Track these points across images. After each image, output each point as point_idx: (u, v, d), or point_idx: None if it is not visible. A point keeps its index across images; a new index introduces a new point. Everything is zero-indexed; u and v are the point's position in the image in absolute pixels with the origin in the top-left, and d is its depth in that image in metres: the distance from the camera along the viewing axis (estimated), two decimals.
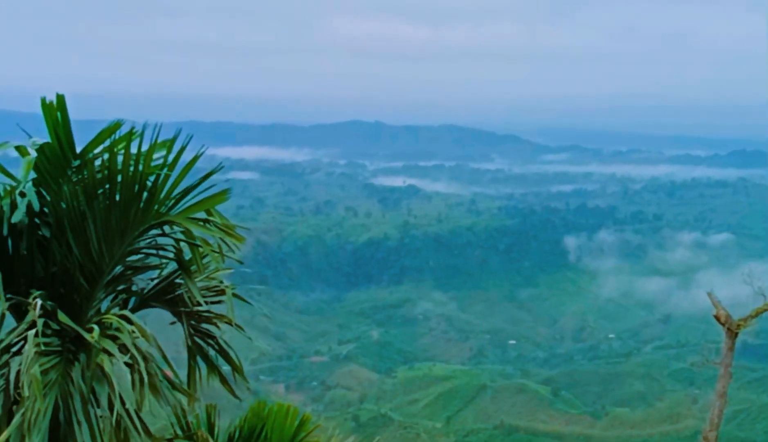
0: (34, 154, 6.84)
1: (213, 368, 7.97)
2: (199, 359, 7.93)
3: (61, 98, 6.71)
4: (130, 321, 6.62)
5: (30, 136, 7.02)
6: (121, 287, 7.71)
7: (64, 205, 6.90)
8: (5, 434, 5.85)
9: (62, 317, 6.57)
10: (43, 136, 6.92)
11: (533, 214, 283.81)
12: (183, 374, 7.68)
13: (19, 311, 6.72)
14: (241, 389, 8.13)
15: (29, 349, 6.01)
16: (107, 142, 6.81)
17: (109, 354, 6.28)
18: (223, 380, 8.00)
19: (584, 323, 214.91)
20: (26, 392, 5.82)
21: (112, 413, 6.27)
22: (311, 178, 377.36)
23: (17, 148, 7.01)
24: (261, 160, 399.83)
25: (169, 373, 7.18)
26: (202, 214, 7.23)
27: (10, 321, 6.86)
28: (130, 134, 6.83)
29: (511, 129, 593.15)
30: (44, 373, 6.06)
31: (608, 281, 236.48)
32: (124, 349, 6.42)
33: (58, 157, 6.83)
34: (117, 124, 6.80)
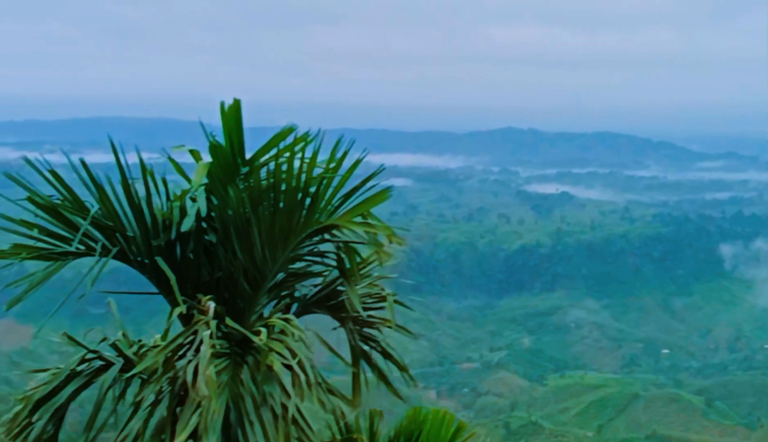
0: (208, 159, 6.99)
1: (378, 371, 8.03)
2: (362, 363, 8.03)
3: (237, 103, 6.84)
4: (293, 325, 6.73)
5: (213, 135, 7.14)
6: (283, 293, 7.85)
7: (230, 212, 7.05)
8: (183, 435, 6.01)
9: (229, 320, 6.75)
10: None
11: (688, 221, 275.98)
12: (336, 380, 7.76)
13: (184, 314, 6.91)
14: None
15: (205, 350, 6.17)
16: (274, 150, 6.94)
17: (282, 356, 6.39)
18: (388, 383, 8.04)
19: (739, 333, 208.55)
20: (204, 392, 5.96)
21: (286, 414, 6.38)
22: (464, 185, 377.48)
23: (191, 152, 7.19)
24: (414, 168, 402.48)
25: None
26: (360, 220, 7.26)
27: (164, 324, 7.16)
28: (295, 142, 6.94)
29: (666, 136, 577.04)
30: (216, 374, 6.21)
31: (765, 291, 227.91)
32: (288, 351, 6.52)
33: (229, 163, 6.97)
34: (287, 131, 6.91)
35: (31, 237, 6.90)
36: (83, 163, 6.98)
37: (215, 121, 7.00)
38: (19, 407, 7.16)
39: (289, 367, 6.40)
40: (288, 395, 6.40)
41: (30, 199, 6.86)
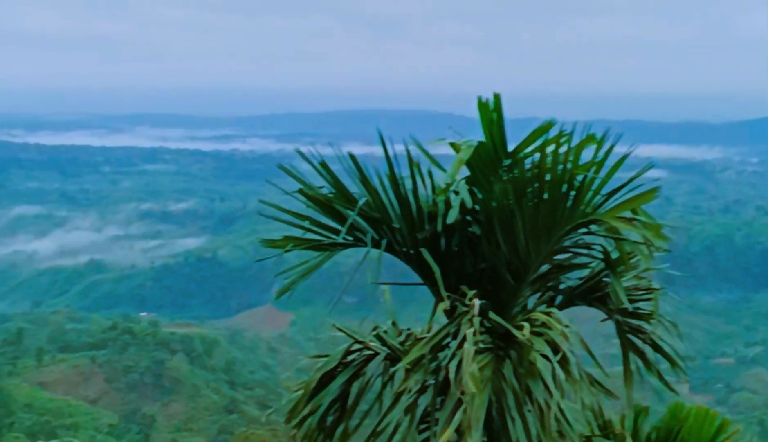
0: (466, 151, 7.00)
1: (648, 364, 7.78)
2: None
3: (497, 98, 6.86)
4: (555, 319, 6.63)
5: (462, 137, 7.20)
6: (547, 285, 7.75)
7: (494, 204, 7.03)
8: (449, 431, 6.06)
9: (492, 315, 6.73)
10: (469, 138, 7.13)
11: None
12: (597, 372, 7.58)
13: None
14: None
15: (468, 346, 6.17)
16: (538, 142, 6.85)
17: (544, 353, 6.31)
18: (661, 377, 7.81)
19: None
20: (469, 389, 5.98)
21: (549, 410, 6.29)
22: (721, 176, 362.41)
23: (452, 145, 7.22)
24: (671, 159, 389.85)
25: None
26: (627, 214, 7.08)
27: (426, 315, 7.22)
28: (559, 135, 6.82)
29: None
30: (479, 370, 6.20)
31: None
32: (550, 346, 6.43)
33: (490, 156, 6.98)
34: (549, 124, 6.81)
35: (301, 227, 7.17)
36: (351, 156, 7.17)
37: (469, 113, 7.01)
38: (296, 395, 7.45)
39: (546, 358, 6.32)
40: (550, 392, 6.30)
41: (301, 192, 7.13)
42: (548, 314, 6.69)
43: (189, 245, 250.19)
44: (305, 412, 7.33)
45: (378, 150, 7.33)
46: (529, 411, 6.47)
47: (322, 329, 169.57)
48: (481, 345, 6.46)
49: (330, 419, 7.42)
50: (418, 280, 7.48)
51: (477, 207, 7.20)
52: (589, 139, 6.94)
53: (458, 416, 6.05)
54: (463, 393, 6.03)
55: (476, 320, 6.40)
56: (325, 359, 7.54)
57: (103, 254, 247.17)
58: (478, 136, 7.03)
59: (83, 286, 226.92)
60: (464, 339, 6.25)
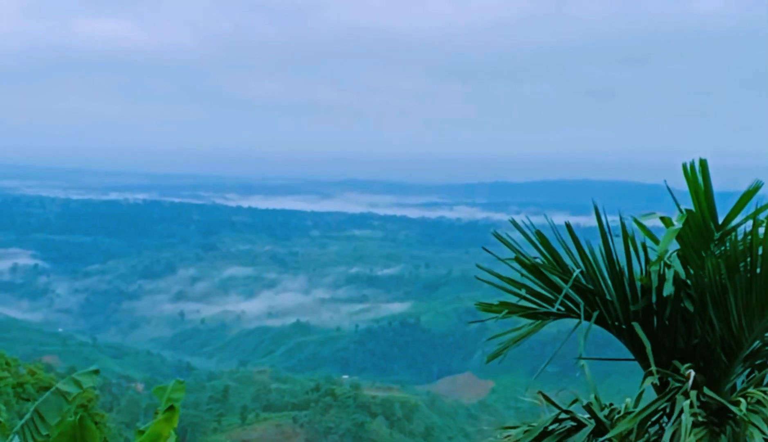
0: (677, 225, 6.94)
1: None
2: None
3: (703, 164, 6.78)
4: None
5: (678, 206, 7.13)
6: (758, 362, 7.57)
7: (706, 279, 6.96)
8: None
9: (707, 390, 6.66)
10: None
11: None
12: None
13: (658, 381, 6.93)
14: None
15: (686, 419, 6.16)
16: (747, 211, 6.77)
17: (761, 429, 6.21)
18: None
19: None
20: None
21: None
22: None
23: (662, 219, 7.21)
24: None
25: None
26: None
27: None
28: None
29: None
30: None
31: None
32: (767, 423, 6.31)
33: (700, 228, 6.91)
34: (756, 188, 6.71)
35: (516, 295, 7.33)
36: (568, 226, 7.29)
37: (677, 185, 6.97)
38: None
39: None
40: None
41: (518, 260, 7.29)
42: (765, 392, 6.58)
43: (393, 309, 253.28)
44: None
45: (584, 220, 7.45)
46: None
47: (522, 397, 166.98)
48: (700, 418, 6.41)
49: None
50: (620, 353, 7.48)
51: (689, 281, 7.14)
52: None
53: None
54: None
55: (693, 393, 6.37)
56: (527, 427, 7.61)
57: (309, 316, 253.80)
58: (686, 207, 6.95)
59: (289, 346, 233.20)
60: (681, 412, 6.23)
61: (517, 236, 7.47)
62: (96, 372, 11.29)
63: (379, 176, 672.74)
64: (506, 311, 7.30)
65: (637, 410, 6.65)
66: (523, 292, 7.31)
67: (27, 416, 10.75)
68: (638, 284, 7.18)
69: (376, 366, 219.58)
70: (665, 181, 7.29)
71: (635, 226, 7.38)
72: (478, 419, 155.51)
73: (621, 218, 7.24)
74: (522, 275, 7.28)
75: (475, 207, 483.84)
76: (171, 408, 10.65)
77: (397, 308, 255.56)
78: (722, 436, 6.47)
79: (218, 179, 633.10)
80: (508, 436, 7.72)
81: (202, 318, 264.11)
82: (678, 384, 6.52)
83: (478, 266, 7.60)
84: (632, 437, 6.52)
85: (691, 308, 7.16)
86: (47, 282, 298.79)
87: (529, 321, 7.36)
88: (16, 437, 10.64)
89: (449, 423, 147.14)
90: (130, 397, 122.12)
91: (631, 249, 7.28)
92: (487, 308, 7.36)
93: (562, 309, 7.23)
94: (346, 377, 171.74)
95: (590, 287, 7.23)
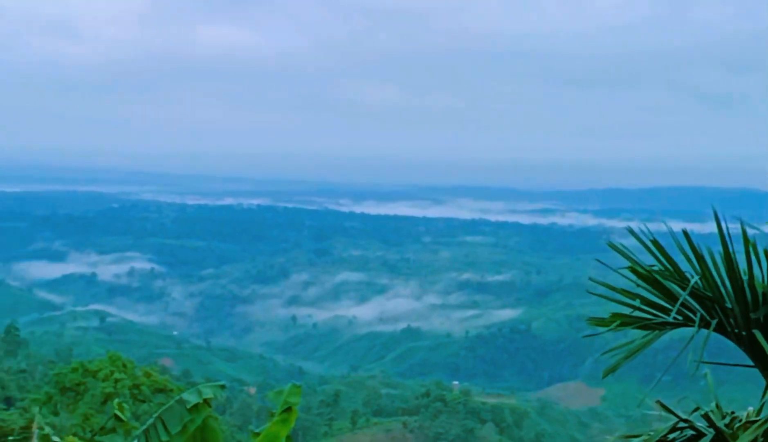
0: None
1: None
2: None
3: None
4: None
5: None
6: None
7: None
8: None
9: None
10: None
11: None
12: None
13: None
14: None
15: None
16: None
17: None
18: None
19: None
20: None
21: None
22: None
23: None
24: None
25: None
26: None
27: None
28: None
29: None
30: None
31: None
32: None
33: None
34: None
35: (631, 306, 7.21)
36: (685, 233, 7.16)
37: None
38: None
39: None
40: None
41: (632, 269, 7.18)
42: None
43: (504, 316, 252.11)
44: None
45: (698, 227, 7.31)
46: None
47: (633, 405, 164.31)
48: None
49: None
50: (736, 360, 7.32)
51: None
52: None
53: None
54: None
55: None
56: (639, 438, 7.50)
57: (420, 322, 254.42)
58: None
59: (399, 352, 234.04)
60: None
61: (629, 243, 7.38)
62: (222, 387, 11.52)
63: (491, 182, 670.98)
64: (618, 322, 7.20)
65: (762, 418, 6.49)
66: (637, 302, 7.20)
67: (149, 422, 11.06)
68: (760, 291, 7.01)
69: (486, 372, 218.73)
70: None
71: (755, 232, 7.23)
72: (589, 426, 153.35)
73: (742, 224, 7.07)
74: (637, 285, 7.17)
75: (587, 214, 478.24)
76: (288, 410, 10.82)
77: (508, 314, 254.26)
78: None
79: (331, 185, 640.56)
80: None
81: (314, 323, 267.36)
82: None
83: (590, 279, 7.52)
84: None
85: None
86: (163, 286, 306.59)
87: (643, 331, 7.25)
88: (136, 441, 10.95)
89: (559, 431, 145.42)
90: (243, 400, 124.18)
91: (755, 256, 7.10)
92: (599, 322, 7.27)
93: (679, 318, 7.11)
94: (456, 383, 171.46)
95: (709, 294, 7.08)
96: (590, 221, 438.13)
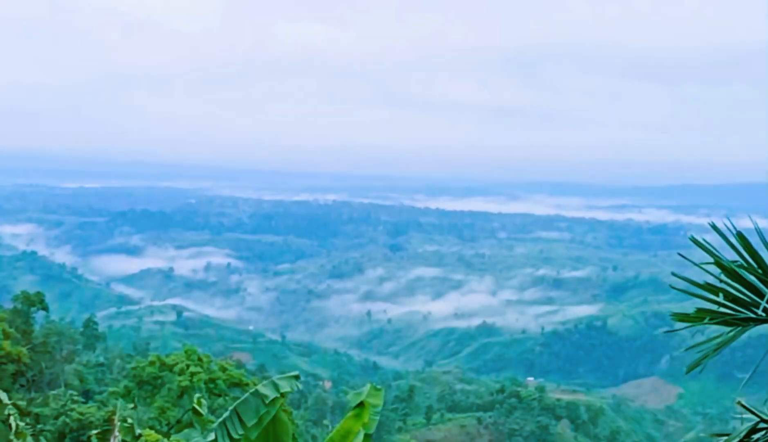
0: None
1: None
2: None
3: None
4: None
5: None
6: None
7: None
8: None
9: None
10: None
11: None
12: None
13: None
14: None
15: None
16: None
17: None
18: None
19: None
20: None
21: None
22: None
23: None
24: None
25: None
26: None
27: None
28: None
29: None
30: None
31: None
32: None
33: None
34: None
35: (714, 302, 7.05)
36: None
37: None
38: None
39: None
40: None
41: (717, 264, 7.02)
42: None
43: (580, 312, 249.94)
44: None
45: None
46: None
47: (711, 403, 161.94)
48: None
49: None
50: None
51: None
52: None
53: None
54: None
55: None
56: (722, 438, 7.32)
57: (495, 318, 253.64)
58: None
59: (474, 348, 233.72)
60: None
61: (711, 239, 7.22)
62: (296, 377, 11.52)
63: (566, 178, 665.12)
64: (708, 318, 7.04)
65: None
66: (720, 298, 7.03)
67: (225, 415, 11.13)
68: None
69: (562, 369, 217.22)
70: None
71: None
72: (665, 424, 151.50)
73: None
74: (721, 280, 7.00)
75: (664, 210, 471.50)
76: (361, 405, 10.82)
77: (584, 310, 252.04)
78: None
79: (407, 180, 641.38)
80: None
81: (388, 318, 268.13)
82: None
83: (673, 274, 7.36)
84: None
85: None
86: (239, 281, 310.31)
87: (723, 328, 7.08)
88: (211, 435, 11.04)
89: (635, 428, 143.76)
90: (318, 395, 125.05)
91: None
92: (684, 318, 7.12)
93: (763, 315, 6.92)
94: (531, 379, 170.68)
95: None
96: (667, 217, 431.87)
